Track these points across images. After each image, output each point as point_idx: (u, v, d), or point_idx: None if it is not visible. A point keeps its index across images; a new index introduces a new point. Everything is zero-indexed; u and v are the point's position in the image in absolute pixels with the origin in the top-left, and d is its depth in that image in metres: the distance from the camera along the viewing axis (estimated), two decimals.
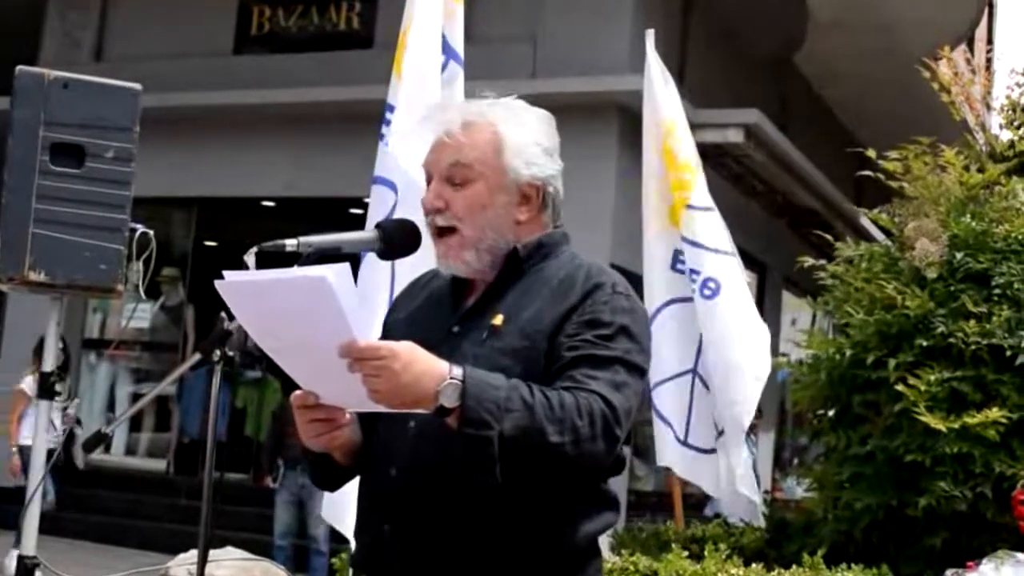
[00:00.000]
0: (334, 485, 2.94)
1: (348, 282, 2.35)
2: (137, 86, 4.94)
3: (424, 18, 5.43)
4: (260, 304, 2.49)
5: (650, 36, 7.42)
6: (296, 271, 2.44)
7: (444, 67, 5.48)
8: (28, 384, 11.10)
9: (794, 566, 4.93)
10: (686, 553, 5.15)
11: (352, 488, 4.82)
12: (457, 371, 2.42)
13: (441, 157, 2.72)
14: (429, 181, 2.76)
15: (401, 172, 5.19)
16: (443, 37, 5.48)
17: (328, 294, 2.32)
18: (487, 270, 2.74)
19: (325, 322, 2.36)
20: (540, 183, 2.76)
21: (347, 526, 5.28)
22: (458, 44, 5.57)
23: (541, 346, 2.61)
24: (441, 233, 2.73)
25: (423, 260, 2.93)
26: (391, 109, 5.43)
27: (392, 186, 5.28)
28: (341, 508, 5.24)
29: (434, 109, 2.88)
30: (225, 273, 2.47)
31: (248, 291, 2.48)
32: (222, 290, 2.48)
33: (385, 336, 2.75)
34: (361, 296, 2.38)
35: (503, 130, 2.72)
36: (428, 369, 2.40)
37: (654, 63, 7.28)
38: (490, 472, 2.42)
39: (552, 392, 2.48)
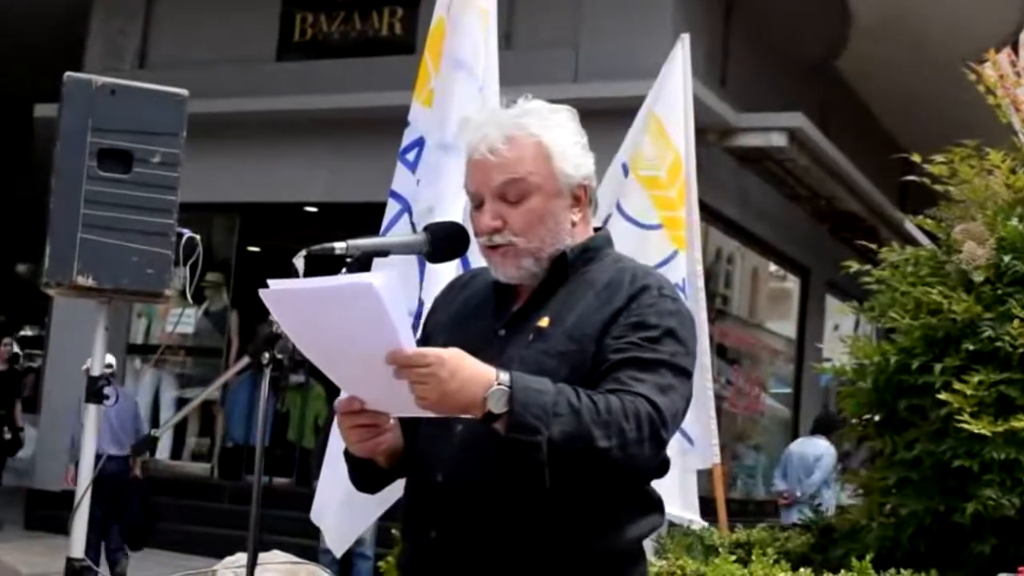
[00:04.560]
0: (374, 488, 2.94)
1: (395, 289, 2.35)
2: (184, 92, 4.97)
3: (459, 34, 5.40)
4: (305, 312, 2.48)
5: (684, 40, 7.42)
6: (342, 278, 2.44)
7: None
8: None
9: (842, 571, 4.90)
10: (733, 557, 5.14)
11: (337, 490, 4.83)
12: (504, 376, 2.41)
13: (490, 176, 2.68)
14: (478, 202, 2.72)
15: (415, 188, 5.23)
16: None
17: (375, 301, 2.31)
18: (539, 275, 2.73)
19: (371, 329, 2.35)
20: (588, 183, 2.76)
21: (331, 527, 5.32)
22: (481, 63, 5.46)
23: (589, 349, 2.60)
24: (499, 246, 2.71)
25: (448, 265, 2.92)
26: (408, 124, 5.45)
27: (402, 200, 5.30)
28: (326, 508, 5.28)
29: (465, 126, 2.83)
30: (269, 282, 2.46)
31: (293, 299, 2.48)
32: (266, 299, 2.48)
33: (427, 339, 2.75)
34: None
35: (546, 138, 2.70)
36: (475, 375, 2.40)
37: (684, 66, 7.31)
38: (539, 478, 2.41)
39: (598, 396, 2.46)
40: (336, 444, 5.09)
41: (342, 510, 5.20)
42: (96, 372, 4.98)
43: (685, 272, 7.04)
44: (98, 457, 11.25)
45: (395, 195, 5.34)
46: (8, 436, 15.04)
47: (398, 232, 5.17)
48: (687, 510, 6.84)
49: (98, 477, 11.23)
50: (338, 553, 5.44)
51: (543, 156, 2.69)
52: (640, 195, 7.12)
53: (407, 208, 5.25)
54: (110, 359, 11.79)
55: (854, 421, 6.00)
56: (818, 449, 12.83)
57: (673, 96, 7.29)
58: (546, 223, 2.70)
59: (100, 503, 11.12)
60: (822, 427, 13.12)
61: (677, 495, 6.69)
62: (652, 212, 7.08)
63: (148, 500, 12.14)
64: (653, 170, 7.14)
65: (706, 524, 6.65)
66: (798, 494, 12.55)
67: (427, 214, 4.96)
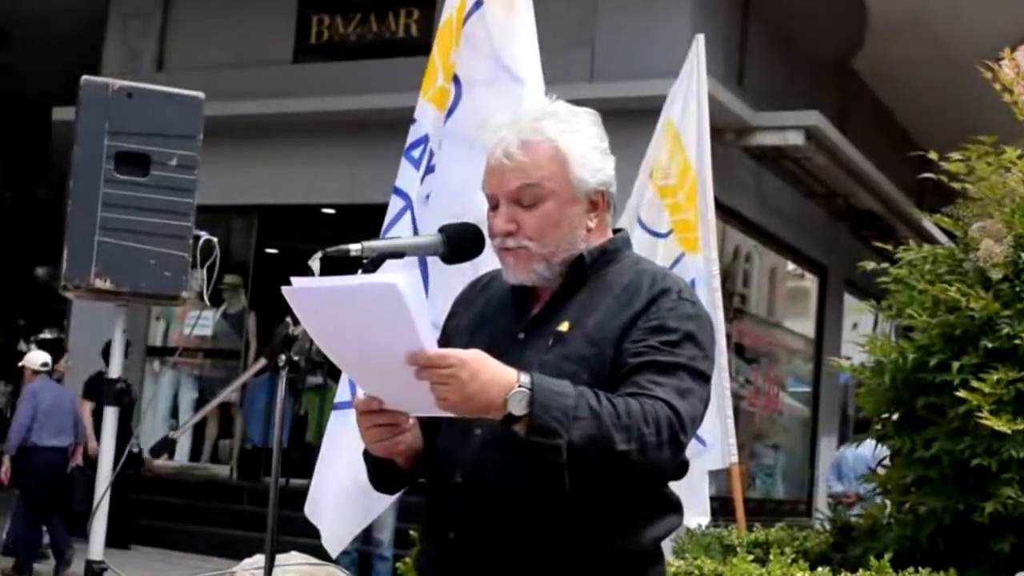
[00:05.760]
0: (393, 489, 2.95)
1: (417, 289, 2.35)
2: (200, 95, 4.99)
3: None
4: (327, 310, 2.49)
5: (699, 40, 7.41)
6: (366, 278, 2.45)
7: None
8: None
9: (860, 570, 4.89)
10: (751, 557, 5.12)
11: (330, 488, 4.83)
12: (525, 379, 2.41)
13: (505, 180, 2.69)
14: (493, 204, 2.73)
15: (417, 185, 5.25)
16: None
17: (397, 301, 2.32)
18: (555, 278, 2.73)
19: (393, 329, 2.36)
20: (605, 188, 2.76)
21: (325, 525, 5.32)
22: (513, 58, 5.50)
23: (608, 353, 2.60)
24: (511, 249, 2.71)
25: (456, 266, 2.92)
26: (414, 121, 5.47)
27: (406, 197, 5.32)
28: (320, 506, 5.29)
29: (483, 129, 2.82)
30: (292, 279, 2.47)
31: (315, 297, 2.49)
32: (289, 296, 2.48)
33: (447, 342, 2.73)
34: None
35: (563, 143, 2.69)
36: (496, 377, 2.40)
37: (699, 66, 7.31)
38: (558, 480, 2.42)
39: (618, 399, 2.46)
40: (329, 441, 5.10)
41: (338, 510, 5.21)
42: (115, 374, 5.01)
43: (694, 273, 7.06)
44: (36, 449, 11.89)
45: (399, 192, 5.35)
46: None
47: (400, 229, 5.19)
48: (697, 512, 6.83)
49: (40, 468, 11.93)
50: (333, 554, 5.44)
51: (559, 161, 2.68)
52: (656, 205, 7.18)
53: (410, 205, 5.27)
54: (45, 357, 12.16)
55: (872, 419, 5.98)
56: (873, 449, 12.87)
57: (687, 96, 7.30)
58: (560, 228, 2.69)
59: (40, 493, 11.44)
60: (864, 427, 13.17)
61: (686, 498, 6.70)
62: (664, 219, 7.13)
63: (92, 488, 12.29)
64: (666, 178, 7.19)
65: (708, 520, 6.65)
66: (861, 490, 12.58)
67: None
